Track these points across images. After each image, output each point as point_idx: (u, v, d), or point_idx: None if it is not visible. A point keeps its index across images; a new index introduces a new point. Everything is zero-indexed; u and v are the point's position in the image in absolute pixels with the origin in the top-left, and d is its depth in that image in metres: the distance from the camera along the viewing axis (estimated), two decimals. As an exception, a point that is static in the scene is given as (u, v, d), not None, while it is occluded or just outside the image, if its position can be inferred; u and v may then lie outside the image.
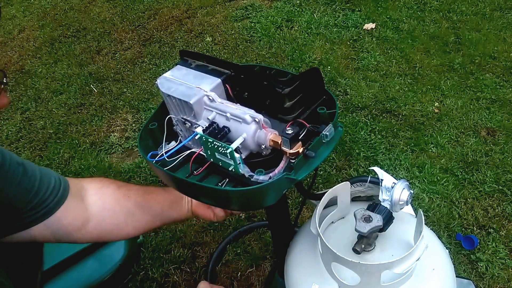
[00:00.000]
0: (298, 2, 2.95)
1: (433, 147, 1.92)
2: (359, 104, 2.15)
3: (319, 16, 2.80)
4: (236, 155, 0.69)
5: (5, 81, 0.67)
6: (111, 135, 2.22)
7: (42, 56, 2.88)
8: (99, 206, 0.92)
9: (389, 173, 0.84)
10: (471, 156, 1.86)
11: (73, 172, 2.04)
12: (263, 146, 0.73)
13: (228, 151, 0.68)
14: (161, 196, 1.00)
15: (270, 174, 0.72)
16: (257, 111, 0.73)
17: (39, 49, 2.95)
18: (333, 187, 0.82)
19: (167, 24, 2.98)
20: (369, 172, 1.79)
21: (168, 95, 0.78)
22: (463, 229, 1.62)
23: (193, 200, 1.01)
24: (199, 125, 0.75)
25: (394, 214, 0.80)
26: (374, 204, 0.80)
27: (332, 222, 0.91)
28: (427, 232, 0.91)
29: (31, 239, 0.85)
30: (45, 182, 0.84)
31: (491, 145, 1.90)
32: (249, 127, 0.71)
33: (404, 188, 0.78)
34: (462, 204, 1.69)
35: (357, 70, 2.37)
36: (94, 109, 2.40)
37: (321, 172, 1.85)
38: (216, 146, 0.70)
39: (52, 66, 2.78)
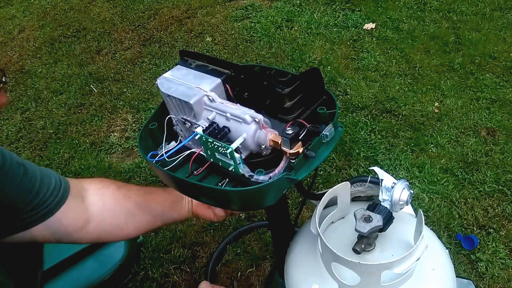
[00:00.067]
0: (298, 2, 2.95)
1: (433, 147, 1.92)
2: (359, 104, 2.15)
3: (319, 16, 2.80)
4: (236, 155, 0.69)
5: (4, 80, 0.67)
6: (111, 135, 2.22)
7: (42, 56, 2.88)
8: (99, 207, 0.92)
9: (389, 173, 0.84)
10: (471, 156, 1.86)
11: (73, 172, 2.04)
12: (263, 146, 0.73)
13: (228, 151, 0.68)
14: (161, 196, 1.00)
15: (270, 174, 0.72)
16: (257, 111, 0.73)
17: (39, 49, 2.95)
18: (333, 187, 0.82)
19: (167, 24, 2.98)
20: (369, 172, 1.79)
21: (168, 95, 0.78)
22: (463, 229, 1.62)
23: (194, 200, 1.01)
24: (199, 125, 0.75)
25: (394, 214, 0.80)
26: (374, 204, 0.80)
27: (332, 222, 0.91)
28: (427, 232, 0.91)
29: (32, 239, 0.85)
30: (45, 182, 0.84)
31: (491, 145, 1.90)
32: (249, 127, 0.71)
33: (404, 188, 0.78)
34: (462, 204, 1.69)
35: (357, 70, 2.37)
36: (94, 109, 2.40)
37: (321, 172, 1.85)
38: (216, 146, 0.70)
39: (52, 66, 2.78)
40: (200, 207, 1.01)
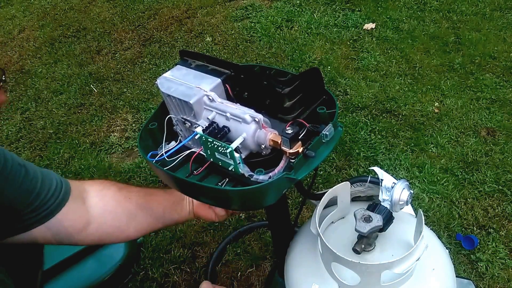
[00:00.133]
0: (298, 2, 2.95)
1: (433, 147, 1.92)
2: (359, 104, 2.15)
3: (319, 16, 2.80)
4: (236, 154, 0.69)
5: (4, 79, 0.68)
6: (111, 135, 2.22)
7: (42, 56, 2.88)
8: (100, 208, 0.92)
9: (389, 173, 0.84)
10: (471, 156, 1.86)
11: (73, 172, 2.04)
12: (263, 146, 0.73)
13: (228, 150, 0.68)
14: (162, 197, 1.00)
15: (270, 174, 0.72)
16: (257, 111, 0.73)
17: (39, 49, 2.95)
18: (333, 187, 0.82)
19: (167, 24, 2.98)
20: (369, 172, 1.79)
21: (168, 95, 0.78)
22: (463, 229, 1.62)
23: (194, 201, 1.01)
24: (199, 125, 0.75)
25: (394, 214, 0.80)
26: (374, 204, 0.80)
27: (332, 222, 0.91)
28: (427, 232, 0.91)
29: (32, 240, 0.85)
30: (46, 184, 0.84)
31: (491, 145, 1.90)
32: (249, 126, 0.71)
33: (404, 188, 0.78)
34: (462, 204, 1.69)
35: (357, 70, 2.37)
36: (94, 109, 2.40)
37: (321, 172, 1.85)
38: (216, 146, 0.70)
39: (52, 66, 2.78)
40: (201, 207, 1.01)
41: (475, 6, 2.74)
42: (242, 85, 0.80)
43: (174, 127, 0.84)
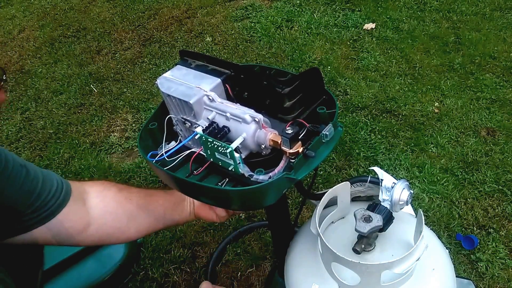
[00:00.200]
0: (298, 2, 2.95)
1: (433, 147, 1.92)
2: (359, 104, 2.15)
3: (319, 16, 2.80)
4: (236, 154, 0.69)
5: (4, 78, 0.68)
6: (111, 135, 2.22)
7: (42, 56, 2.88)
8: (100, 209, 0.92)
9: (389, 173, 0.84)
10: (471, 156, 1.86)
11: (73, 172, 2.04)
12: (263, 146, 0.73)
13: (228, 150, 0.68)
14: (163, 198, 0.99)
15: (270, 174, 0.72)
16: (257, 111, 0.73)
17: (39, 49, 2.95)
18: (333, 187, 0.82)
19: (167, 24, 2.98)
20: (369, 172, 1.79)
21: (168, 95, 0.78)
22: (463, 229, 1.62)
23: (195, 202, 1.01)
24: (199, 125, 0.75)
25: (394, 214, 0.80)
26: (374, 204, 0.80)
27: (332, 222, 0.91)
28: (427, 232, 0.91)
29: (32, 241, 0.85)
30: (47, 184, 0.84)
31: (491, 145, 1.90)
32: (249, 126, 0.71)
33: (404, 188, 0.78)
34: (462, 204, 1.69)
35: (357, 70, 2.37)
36: (94, 109, 2.40)
37: (321, 172, 1.85)
38: (216, 145, 0.70)
39: (52, 66, 2.78)
40: (202, 208, 1.00)
41: (475, 6, 2.74)
42: (242, 85, 0.80)
43: (174, 127, 0.84)
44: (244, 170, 0.71)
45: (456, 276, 0.86)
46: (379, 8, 2.80)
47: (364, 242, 0.81)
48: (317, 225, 0.78)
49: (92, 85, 2.55)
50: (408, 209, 0.93)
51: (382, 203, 0.80)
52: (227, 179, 0.78)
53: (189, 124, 0.78)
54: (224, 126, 0.74)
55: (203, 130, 0.73)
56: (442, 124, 2.02)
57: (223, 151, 0.69)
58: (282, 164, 0.72)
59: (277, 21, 2.79)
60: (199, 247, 1.66)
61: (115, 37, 2.93)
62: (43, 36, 3.06)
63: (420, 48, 2.47)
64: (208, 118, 0.76)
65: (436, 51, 2.43)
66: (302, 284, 0.84)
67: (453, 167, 1.82)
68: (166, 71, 0.82)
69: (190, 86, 0.77)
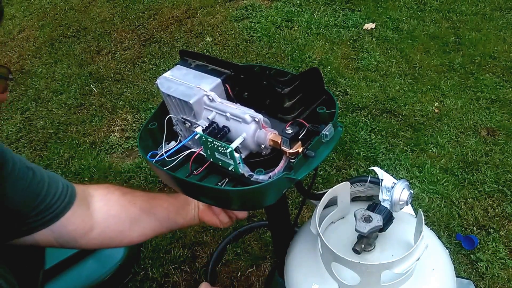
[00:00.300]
0: (298, 2, 2.95)
1: (433, 147, 1.92)
2: (359, 104, 2.15)
3: (319, 16, 2.80)
4: (236, 154, 0.69)
5: (10, 77, 0.68)
6: (111, 135, 2.22)
7: (42, 56, 2.88)
8: (104, 213, 0.92)
9: (389, 173, 0.84)
10: (471, 156, 1.86)
11: (73, 172, 2.04)
12: (263, 146, 0.73)
13: (227, 150, 0.68)
14: (167, 202, 0.99)
15: (270, 174, 0.72)
16: (257, 111, 0.73)
17: (39, 49, 2.95)
18: (333, 187, 0.82)
19: (167, 24, 2.98)
20: (369, 172, 1.79)
21: (168, 95, 0.78)
22: (463, 229, 1.62)
23: (200, 206, 1.01)
24: (199, 125, 0.75)
25: (394, 214, 0.80)
26: (374, 204, 0.80)
27: (332, 222, 0.91)
28: (427, 232, 0.91)
29: (34, 243, 0.85)
30: (52, 187, 0.84)
31: (491, 145, 1.90)
32: (248, 126, 0.71)
33: (404, 188, 0.78)
34: (462, 204, 1.69)
35: (357, 70, 2.37)
36: (94, 109, 2.40)
37: (321, 172, 1.85)
38: (216, 145, 0.70)
39: (52, 66, 2.78)
40: (206, 213, 1.00)
41: (475, 6, 2.74)
42: (242, 85, 0.80)
43: (174, 127, 0.84)
44: (244, 170, 0.71)
45: (456, 276, 0.86)
46: (379, 8, 2.80)
47: (364, 242, 0.81)
48: (317, 225, 0.78)
49: (92, 85, 2.55)
50: (408, 209, 0.93)
51: (382, 203, 0.80)
52: (227, 179, 0.78)
53: (189, 124, 0.78)
54: (224, 126, 0.74)
55: (203, 130, 0.73)
56: (442, 124, 2.02)
57: (223, 151, 0.69)
58: (282, 164, 0.72)
59: (277, 21, 2.79)
60: (199, 247, 1.66)
61: (115, 37, 2.93)
62: (43, 36, 3.06)
63: (420, 48, 2.47)
64: (208, 118, 0.76)
65: (436, 51, 2.43)
66: (302, 284, 0.84)
67: (453, 167, 1.82)
68: (166, 71, 0.82)
69: (190, 86, 0.77)
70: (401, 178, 0.85)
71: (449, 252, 0.91)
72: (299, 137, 0.70)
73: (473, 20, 2.62)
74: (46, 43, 2.99)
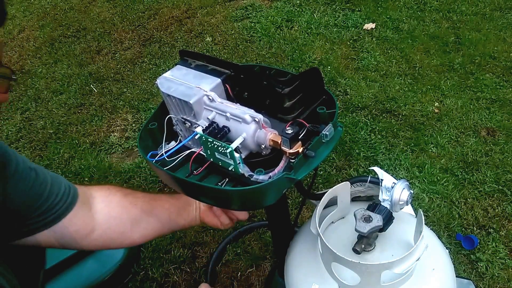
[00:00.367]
0: (298, 2, 2.95)
1: (433, 147, 1.92)
2: (359, 104, 2.15)
3: (319, 16, 2.80)
4: (236, 154, 0.69)
5: (14, 77, 0.69)
6: (111, 135, 2.22)
7: (42, 56, 2.88)
8: (105, 214, 0.92)
9: (389, 173, 0.84)
10: (471, 156, 1.86)
11: (73, 172, 2.04)
12: (263, 146, 0.73)
13: (228, 150, 0.68)
14: (168, 203, 0.99)
15: (270, 174, 0.72)
16: (257, 111, 0.73)
17: (39, 49, 2.95)
18: (333, 187, 0.82)
19: (167, 24, 2.98)
20: (369, 172, 1.79)
21: (168, 95, 0.78)
22: (463, 229, 1.62)
23: (201, 207, 1.01)
24: (199, 125, 0.75)
25: (394, 214, 0.80)
26: (374, 204, 0.80)
27: (332, 222, 0.91)
28: (427, 232, 0.91)
29: (36, 244, 0.85)
30: (55, 188, 0.85)
31: (491, 145, 1.90)
32: (248, 126, 0.71)
33: (404, 188, 0.78)
34: (462, 204, 1.69)
35: (357, 70, 2.37)
36: (94, 109, 2.40)
37: (321, 172, 1.85)
38: (216, 145, 0.70)
39: (52, 66, 2.78)
40: (207, 214, 1.00)
41: (475, 6, 2.74)
42: (242, 85, 0.80)
43: (174, 127, 0.84)
44: (244, 170, 0.71)
45: (456, 276, 0.86)
46: (379, 8, 2.80)
47: (364, 242, 0.81)
48: (317, 225, 0.78)
49: (92, 85, 2.55)
50: (408, 209, 0.93)
51: (382, 203, 0.80)
52: (227, 179, 0.78)
53: (189, 124, 0.78)
54: (224, 126, 0.74)
55: (203, 130, 0.73)
56: (442, 124, 2.02)
57: (223, 151, 0.69)
58: (282, 164, 0.72)
59: (277, 21, 2.79)
60: (199, 247, 1.66)
61: (115, 37, 2.93)
62: (43, 36, 3.06)
63: (420, 48, 2.47)
64: (208, 118, 0.76)
65: (436, 51, 2.43)
66: (302, 284, 0.84)
67: (453, 167, 1.82)
68: (166, 71, 0.82)
69: (190, 86, 0.77)
70: (401, 178, 0.85)
71: (449, 252, 0.91)
72: (299, 137, 0.70)
73: (473, 20, 2.62)
74: (46, 43, 2.99)
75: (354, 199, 0.92)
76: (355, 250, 0.80)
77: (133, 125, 2.26)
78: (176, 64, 0.84)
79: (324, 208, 0.85)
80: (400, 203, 0.78)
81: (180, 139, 0.85)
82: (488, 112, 2.05)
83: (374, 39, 2.56)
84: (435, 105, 2.12)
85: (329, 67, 2.39)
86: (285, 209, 1.03)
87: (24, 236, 0.83)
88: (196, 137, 0.74)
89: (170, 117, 0.82)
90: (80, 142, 2.20)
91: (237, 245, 1.64)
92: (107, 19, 3.12)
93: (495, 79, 2.22)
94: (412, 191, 0.80)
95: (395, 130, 2.01)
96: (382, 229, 0.77)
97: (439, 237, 0.92)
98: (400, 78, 2.29)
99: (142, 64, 2.67)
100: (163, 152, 0.78)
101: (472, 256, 1.54)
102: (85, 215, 0.89)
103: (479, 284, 1.47)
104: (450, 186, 1.75)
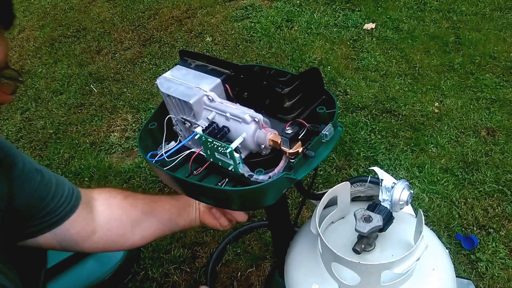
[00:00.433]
0: (298, 2, 2.95)
1: (433, 147, 1.92)
2: (359, 104, 2.15)
3: (319, 16, 2.80)
4: (236, 154, 0.69)
5: (20, 79, 0.69)
6: (111, 135, 2.22)
7: (42, 56, 2.88)
8: (106, 216, 0.92)
9: (389, 173, 0.84)
10: (471, 156, 1.86)
11: (73, 172, 2.04)
12: (263, 146, 0.73)
13: (227, 150, 0.68)
14: (168, 203, 1.00)
15: (270, 174, 0.72)
16: (257, 111, 0.73)
17: (39, 49, 2.95)
18: (333, 187, 0.82)
19: (167, 24, 2.98)
20: (369, 172, 1.79)
21: (168, 95, 0.78)
22: (463, 229, 1.62)
23: (201, 208, 1.01)
24: (198, 125, 0.75)
25: (394, 214, 0.80)
26: (374, 204, 0.80)
27: (332, 222, 0.91)
28: (427, 232, 0.91)
29: (36, 245, 0.85)
30: (59, 191, 0.85)
31: (491, 145, 1.90)
32: (248, 126, 0.71)
33: (404, 188, 0.78)
34: (462, 204, 1.69)
35: (357, 70, 2.37)
36: (94, 109, 2.40)
37: (321, 172, 1.85)
38: (215, 146, 0.70)
39: (52, 66, 2.78)
40: (207, 215, 1.01)
41: (475, 6, 2.74)
42: (242, 85, 0.80)
43: (174, 127, 0.84)
44: (244, 170, 0.71)
45: (456, 276, 0.86)
46: (379, 8, 2.80)
47: (364, 242, 0.81)
48: (317, 225, 0.78)
49: (92, 85, 2.55)
50: (408, 209, 0.93)
51: (382, 203, 0.80)
52: (227, 179, 0.78)
53: (189, 124, 0.78)
54: (224, 126, 0.74)
55: (203, 130, 0.73)
56: (442, 124, 2.02)
57: (223, 151, 0.69)
58: (281, 164, 0.72)
59: (277, 21, 2.79)
60: (199, 247, 1.66)
61: (115, 37, 2.93)
62: (43, 36, 3.06)
63: (420, 48, 2.47)
64: (208, 118, 0.76)
65: (436, 51, 2.43)
66: (302, 284, 0.84)
67: (453, 167, 1.82)
68: (166, 71, 0.82)
69: (189, 86, 0.77)
70: (401, 178, 0.85)
71: (449, 252, 0.91)
72: (299, 137, 0.70)
73: (473, 20, 2.62)
74: (46, 43, 2.99)
75: (354, 199, 0.92)
76: (355, 250, 0.80)
77: (133, 125, 2.26)
78: (176, 64, 0.84)
79: (324, 208, 0.85)
80: (400, 203, 0.78)
81: (180, 139, 0.85)
82: (488, 112, 2.05)
83: (374, 39, 2.56)
84: (435, 105, 2.12)
85: (329, 67, 2.39)
86: (285, 209, 1.03)
87: (26, 238, 0.83)
88: (196, 137, 0.74)
89: (170, 117, 0.82)
90: (80, 142, 2.20)
91: (237, 245, 1.64)
92: (107, 19, 3.12)
93: (495, 79, 2.22)
94: (412, 191, 0.80)
95: (395, 130, 2.01)
96: (382, 229, 0.77)
97: (439, 237, 0.92)
98: (400, 78, 2.29)
99: (142, 64, 2.67)
100: (163, 152, 0.78)
101: (472, 256, 1.54)
102: (87, 217, 0.90)
103: (479, 284, 1.47)
104: (450, 186, 1.75)
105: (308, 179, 1.61)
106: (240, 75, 0.79)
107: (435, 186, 1.75)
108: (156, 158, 0.78)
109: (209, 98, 0.75)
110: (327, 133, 0.71)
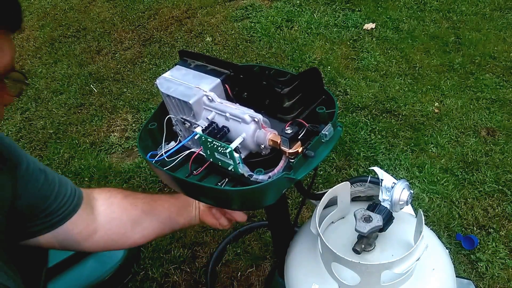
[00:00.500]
0: (298, 2, 2.95)
1: (433, 147, 1.92)
2: (359, 104, 2.15)
3: (319, 16, 2.80)
4: (236, 154, 0.69)
5: (26, 82, 0.70)
6: (111, 135, 2.22)
7: (42, 56, 2.88)
8: (106, 216, 0.93)
9: (389, 173, 0.84)
10: (471, 156, 1.86)
11: (73, 172, 2.04)
12: (263, 146, 0.73)
13: (227, 150, 0.68)
14: (168, 202, 1.00)
15: (270, 174, 0.72)
16: (257, 111, 0.73)
17: (39, 49, 2.95)
18: (333, 187, 0.82)
19: (167, 24, 2.98)
20: (369, 172, 1.79)
21: (168, 95, 0.78)
22: (463, 229, 1.62)
23: (201, 207, 1.01)
24: (198, 125, 0.75)
25: (394, 214, 0.80)
26: (374, 204, 0.80)
27: (332, 222, 0.91)
28: (427, 232, 0.91)
29: (37, 245, 0.85)
30: (62, 191, 0.86)
31: (491, 145, 1.90)
32: (248, 126, 0.71)
33: (404, 188, 0.78)
34: (462, 204, 1.69)
35: (357, 70, 2.37)
36: (94, 109, 2.40)
37: (321, 172, 1.85)
38: (215, 146, 0.70)
39: (52, 66, 2.78)
40: (206, 214, 1.01)
41: (475, 6, 2.74)
42: (241, 85, 0.80)
43: (174, 127, 0.84)
44: (243, 170, 0.71)
45: (456, 276, 0.86)
46: (379, 8, 2.80)
47: (364, 242, 0.81)
48: (317, 225, 0.78)
49: (92, 85, 2.55)
50: (408, 209, 0.93)
51: (382, 203, 0.80)
52: (226, 179, 0.78)
53: (189, 124, 0.78)
54: (223, 126, 0.74)
55: (203, 130, 0.73)
56: (442, 124, 2.02)
57: (222, 151, 0.69)
58: (281, 164, 0.72)
59: (277, 21, 2.79)
60: (199, 247, 1.66)
61: (115, 37, 2.93)
62: (43, 36, 3.06)
63: (420, 48, 2.47)
64: (207, 118, 0.75)
65: (436, 51, 2.43)
66: (302, 284, 0.84)
67: (453, 167, 1.82)
68: (166, 71, 0.82)
69: (189, 86, 0.77)
70: (401, 178, 0.85)
71: (449, 252, 0.91)
72: (299, 137, 0.70)
73: (473, 20, 2.62)
74: (46, 43, 2.99)
75: (354, 199, 0.92)
76: (355, 250, 0.80)
77: (133, 125, 2.26)
78: (175, 64, 0.84)
79: (324, 208, 0.85)
80: (400, 203, 0.78)
81: (179, 139, 0.85)
82: (488, 112, 2.05)
83: (374, 39, 2.56)
84: (435, 105, 2.12)
85: (329, 67, 2.39)
86: (285, 209, 1.03)
87: (28, 238, 0.83)
88: (196, 137, 0.74)
89: (169, 117, 0.82)
90: (80, 142, 2.20)
91: (237, 245, 1.64)
92: (107, 19, 3.12)
93: (495, 79, 2.22)
94: (412, 191, 0.80)
95: (395, 130, 2.01)
96: (382, 229, 0.77)
97: (439, 237, 0.92)
98: (400, 78, 2.29)
99: (142, 64, 2.67)
100: (163, 152, 0.78)
101: (472, 256, 1.53)
102: (88, 218, 0.90)
103: (479, 284, 1.47)
104: (450, 186, 1.74)
105: (308, 179, 1.61)
106: (239, 75, 0.79)
107: (435, 186, 1.75)
108: (156, 158, 0.78)
109: (208, 98, 0.75)
110: (326, 133, 0.71)
